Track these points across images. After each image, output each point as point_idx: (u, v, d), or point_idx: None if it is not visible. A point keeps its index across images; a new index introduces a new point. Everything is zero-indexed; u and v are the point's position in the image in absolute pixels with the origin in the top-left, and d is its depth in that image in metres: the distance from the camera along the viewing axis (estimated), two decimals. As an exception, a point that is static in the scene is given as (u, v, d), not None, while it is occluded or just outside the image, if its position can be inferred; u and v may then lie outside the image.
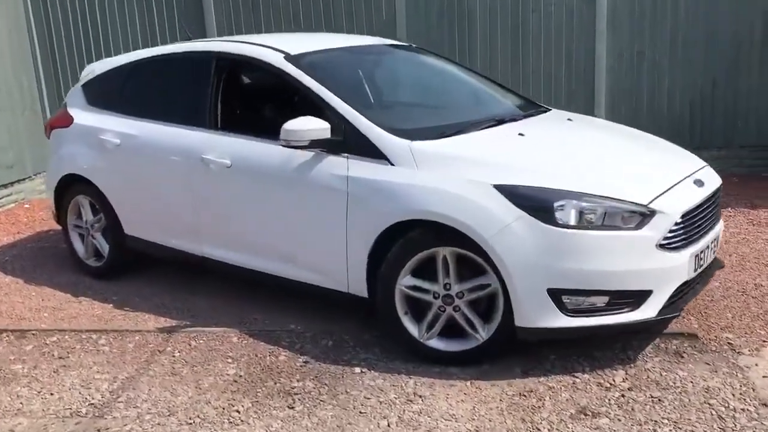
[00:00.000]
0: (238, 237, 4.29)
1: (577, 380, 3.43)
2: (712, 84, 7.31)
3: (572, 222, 3.30)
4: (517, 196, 3.35)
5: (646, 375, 3.44)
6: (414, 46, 5.32)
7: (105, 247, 5.09)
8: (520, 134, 3.92)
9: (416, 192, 3.53)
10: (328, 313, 4.25)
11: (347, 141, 3.81)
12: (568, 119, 4.49)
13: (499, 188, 3.38)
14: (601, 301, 3.37)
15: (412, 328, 3.66)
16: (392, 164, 3.67)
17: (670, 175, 3.70)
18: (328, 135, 3.80)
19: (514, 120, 4.19)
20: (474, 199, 3.39)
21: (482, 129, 3.96)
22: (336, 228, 3.81)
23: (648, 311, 3.41)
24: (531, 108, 4.61)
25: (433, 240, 3.52)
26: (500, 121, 4.13)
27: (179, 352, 3.96)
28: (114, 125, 4.83)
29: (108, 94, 5.00)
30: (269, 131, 4.28)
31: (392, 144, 3.71)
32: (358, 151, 3.78)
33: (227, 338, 4.07)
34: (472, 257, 3.48)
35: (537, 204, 3.32)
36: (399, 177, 3.61)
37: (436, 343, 3.64)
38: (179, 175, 4.44)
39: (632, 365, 3.54)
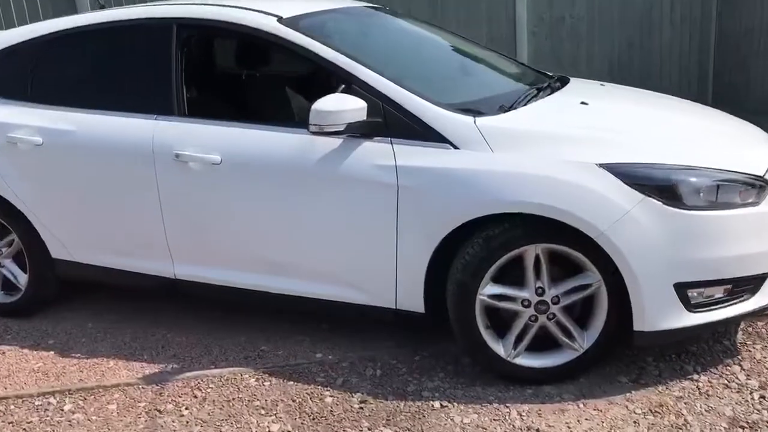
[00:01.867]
0: (234, 251, 3.39)
1: (699, 384, 2.96)
2: (628, 45, 7.21)
3: (698, 202, 2.80)
4: (633, 176, 2.78)
5: (763, 367, 3.05)
6: (389, 8, 4.56)
7: (21, 277, 3.93)
8: (583, 103, 3.36)
9: (500, 180, 2.86)
10: (350, 334, 3.49)
11: (389, 122, 3.04)
12: (601, 84, 4.00)
13: (609, 168, 2.80)
14: (720, 291, 2.91)
15: (496, 345, 3.01)
16: (456, 147, 2.97)
17: (761, 143, 3.31)
18: (364, 116, 3.02)
19: (553, 89, 3.61)
20: (580, 183, 2.79)
21: (536, 100, 3.36)
22: (381, 232, 3.06)
23: (764, 297, 3.00)
24: (543, 74, 4.06)
25: (523, 237, 2.88)
26: (540, 90, 3.54)
27: (187, 408, 3.04)
28: (30, 119, 3.68)
29: (13, 79, 3.81)
30: (273, 116, 3.43)
31: (454, 123, 3.00)
32: (404, 134, 3.03)
33: (243, 382, 3.19)
34: (569, 254, 2.89)
35: (659, 184, 2.78)
36: (471, 163, 2.92)
37: (526, 360, 3.01)
38: (138, 178, 3.44)
39: (739, 356, 3.13)
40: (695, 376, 3.01)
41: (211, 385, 3.18)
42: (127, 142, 3.46)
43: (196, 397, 3.11)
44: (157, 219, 3.45)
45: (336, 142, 3.08)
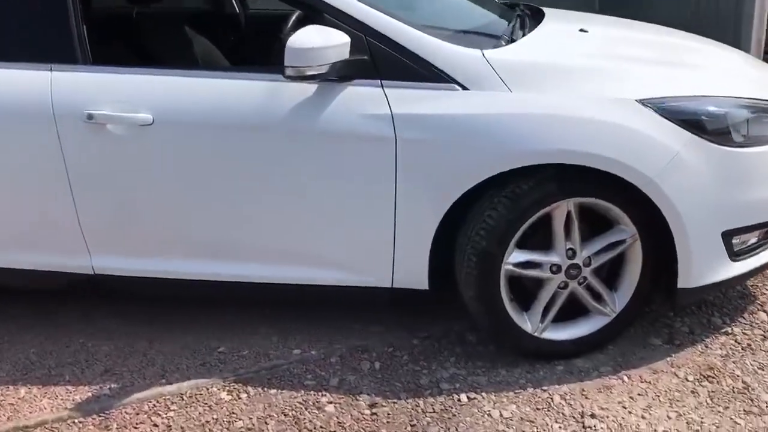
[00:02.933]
0: (174, 235, 2.68)
1: (737, 337, 2.69)
2: None
3: (745, 138, 2.47)
4: (678, 112, 2.39)
5: (788, 311, 2.85)
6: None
7: None
8: (582, 30, 2.92)
9: (532, 125, 2.37)
10: (325, 321, 2.90)
11: (377, 61, 2.44)
12: (573, 12, 3.58)
13: (652, 104, 2.38)
14: (756, 236, 2.63)
15: (521, 320, 2.57)
16: (465, 88, 2.44)
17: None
18: (347, 54, 2.40)
19: (537, 20, 3.10)
20: (624, 124, 2.36)
21: (530, 31, 2.86)
22: (375, 197, 2.49)
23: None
24: (508, 5, 3.54)
25: (557, 191, 2.42)
26: (523, 20, 3.05)
27: (151, 441, 2.36)
28: None
29: None
30: (222, 61, 2.72)
31: (460, 58, 2.46)
32: (397, 75, 2.45)
33: (213, 397, 2.53)
34: (600, 207, 2.48)
35: (707, 120, 2.41)
36: (489, 106, 2.40)
37: (554, 334, 2.60)
38: (36, 148, 2.60)
39: (758, 301, 2.90)
40: (728, 329, 2.75)
41: (172, 407, 2.49)
42: (12, 103, 2.61)
43: (157, 426, 2.42)
44: (65, 200, 2.65)
45: (310, 88, 2.45)
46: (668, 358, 2.60)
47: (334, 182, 2.50)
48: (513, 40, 2.69)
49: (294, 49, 2.30)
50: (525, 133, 2.37)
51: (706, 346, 2.65)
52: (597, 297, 2.59)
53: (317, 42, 2.32)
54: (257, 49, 3.41)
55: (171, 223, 2.67)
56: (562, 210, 2.45)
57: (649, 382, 2.49)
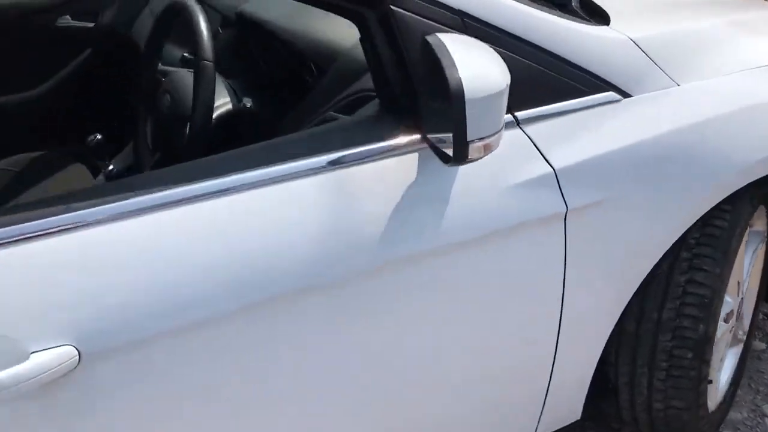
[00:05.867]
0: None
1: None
2: None
3: None
4: None
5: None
6: None
7: None
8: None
9: (734, 129, 1.49)
10: None
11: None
12: None
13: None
14: None
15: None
16: (627, 94, 1.43)
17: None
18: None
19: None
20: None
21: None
22: (530, 320, 1.40)
23: None
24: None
25: (750, 211, 1.62)
26: None
27: None
28: None
29: None
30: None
31: (610, 47, 1.44)
32: (532, 97, 1.33)
33: None
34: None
35: None
36: (670, 117, 1.43)
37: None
38: None
39: None
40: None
41: None
42: None
43: None
44: None
45: (409, 167, 1.21)
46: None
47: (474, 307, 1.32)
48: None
49: (477, 101, 1.03)
50: (740, 141, 1.50)
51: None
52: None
53: (497, 75, 1.08)
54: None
55: None
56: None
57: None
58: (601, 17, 1.62)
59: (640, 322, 1.57)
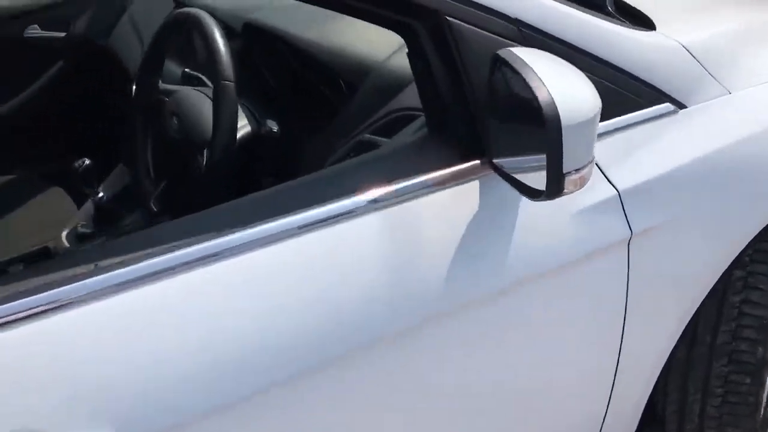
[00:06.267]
0: None
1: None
2: None
3: None
4: None
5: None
6: None
7: None
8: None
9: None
10: None
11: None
12: None
13: None
14: None
15: None
16: (682, 105, 1.32)
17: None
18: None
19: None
20: None
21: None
22: (595, 328, 1.28)
23: None
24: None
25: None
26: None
27: None
28: None
29: None
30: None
31: (664, 55, 1.32)
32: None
33: None
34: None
35: None
36: (734, 129, 1.34)
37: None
38: None
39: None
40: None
41: None
42: None
43: None
44: None
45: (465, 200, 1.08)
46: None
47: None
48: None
49: (572, 128, 0.91)
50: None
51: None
52: None
53: (589, 97, 0.96)
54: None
55: None
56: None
57: None
58: (638, 19, 1.52)
59: (692, 346, 1.47)
